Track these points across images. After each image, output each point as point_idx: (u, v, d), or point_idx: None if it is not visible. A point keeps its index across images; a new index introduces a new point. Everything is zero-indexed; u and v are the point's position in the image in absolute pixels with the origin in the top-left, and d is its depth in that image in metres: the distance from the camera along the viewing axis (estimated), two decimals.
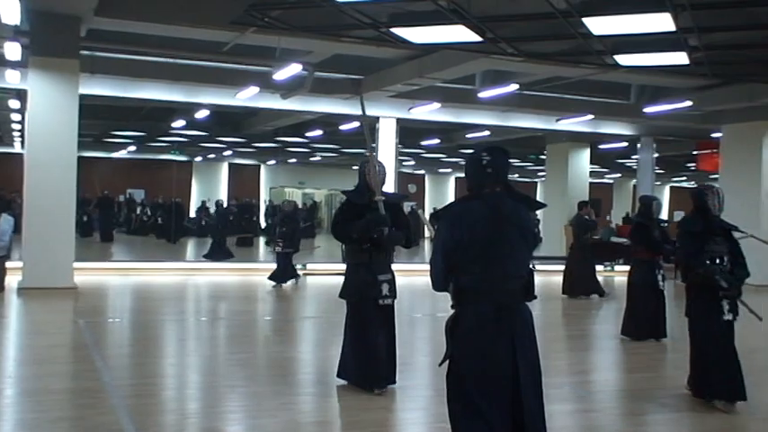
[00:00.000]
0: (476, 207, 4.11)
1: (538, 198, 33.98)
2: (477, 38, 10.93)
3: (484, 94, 16.43)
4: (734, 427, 6.35)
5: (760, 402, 6.94)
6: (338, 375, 7.01)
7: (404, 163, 32.21)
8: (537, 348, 4.15)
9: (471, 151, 4.39)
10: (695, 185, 8.01)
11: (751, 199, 18.26)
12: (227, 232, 21.40)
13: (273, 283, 15.05)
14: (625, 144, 24.54)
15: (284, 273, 15.25)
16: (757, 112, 17.67)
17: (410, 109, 18.22)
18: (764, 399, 7.22)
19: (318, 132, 24.77)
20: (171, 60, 15.02)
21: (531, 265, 4.21)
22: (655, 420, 6.54)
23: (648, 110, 17.90)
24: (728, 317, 6.59)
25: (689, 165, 29.55)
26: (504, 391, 3.96)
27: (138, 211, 32.86)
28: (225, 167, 38.92)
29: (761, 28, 10.80)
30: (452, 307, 4.15)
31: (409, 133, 22.34)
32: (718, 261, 6.56)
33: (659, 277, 9.94)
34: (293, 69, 13.93)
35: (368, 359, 6.73)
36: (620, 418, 6.58)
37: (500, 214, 4.06)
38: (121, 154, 34.78)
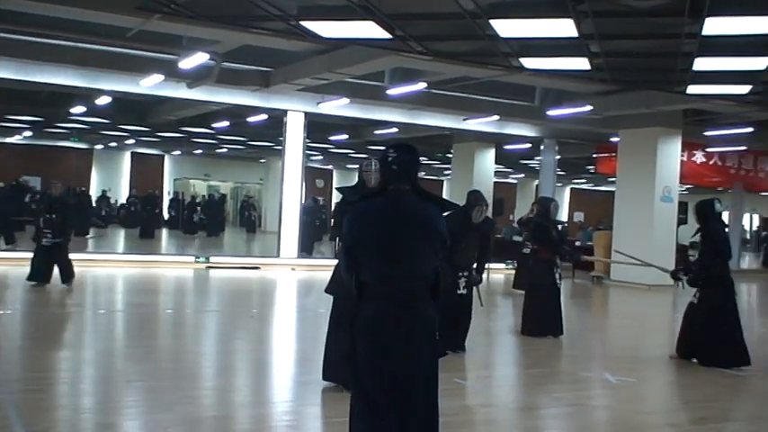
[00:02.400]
0: (378, 204, 4.11)
1: (444, 195, 34.19)
2: (387, 35, 10.97)
3: (393, 92, 16.52)
4: (622, 422, 6.58)
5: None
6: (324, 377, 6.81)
7: (311, 158, 32.07)
8: (438, 349, 4.17)
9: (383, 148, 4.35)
10: (469, 191, 8.92)
11: (645, 201, 19.01)
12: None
13: (34, 282, 12.84)
14: (529, 145, 25.07)
15: (48, 268, 12.90)
16: (653, 119, 18.35)
17: (319, 103, 18.16)
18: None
19: (225, 124, 24.41)
20: (72, 44, 14.50)
21: (438, 265, 4.16)
22: (549, 414, 6.73)
23: (551, 113, 18.35)
24: (463, 291, 8.64)
25: (589, 167, 30.39)
26: (400, 388, 3.97)
27: (27, 199, 31.62)
28: (127, 157, 37.94)
29: (657, 37, 11.20)
30: (354, 302, 4.14)
31: (317, 128, 22.26)
32: (466, 249, 8.50)
33: (557, 276, 10.24)
34: (199, 58, 13.67)
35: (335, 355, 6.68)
36: (515, 413, 6.74)
37: (402, 212, 4.04)
38: (16, 139, 33.46)
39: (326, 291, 6.89)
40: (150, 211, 29.06)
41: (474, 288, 8.87)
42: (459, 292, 8.63)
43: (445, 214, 4.35)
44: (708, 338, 8.73)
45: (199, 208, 32.11)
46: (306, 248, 22.04)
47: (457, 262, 8.43)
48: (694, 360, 8.87)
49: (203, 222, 31.37)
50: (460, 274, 8.60)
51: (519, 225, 17.06)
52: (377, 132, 24.77)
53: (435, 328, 4.12)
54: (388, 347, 3.97)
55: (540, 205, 11.19)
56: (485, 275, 9.80)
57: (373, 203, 4.15)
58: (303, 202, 24.39)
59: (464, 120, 20.02)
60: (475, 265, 8.82)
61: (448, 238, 4.22)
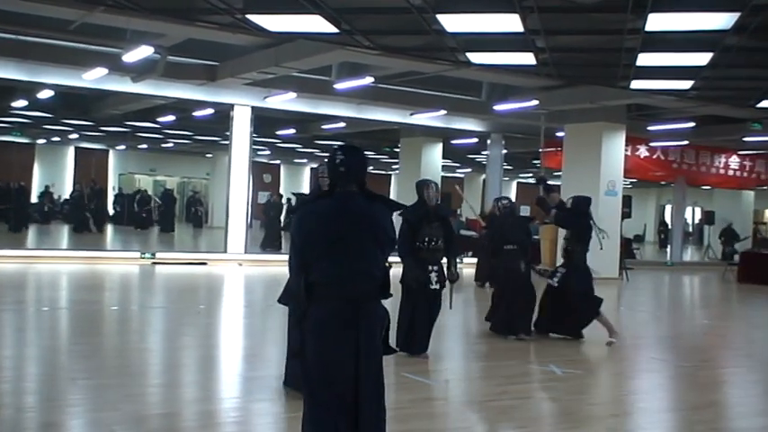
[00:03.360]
0: (325, 205, 4.16)
1: (392, 190, 34.26)
2: (334, 29, 10.94)
3: (340, 86, 16.49)
4: (568, 413, 6.68)
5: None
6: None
7: (258, 152, 31.85)
8: (386, 347, 4.23)
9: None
10: (418, 180, 8.95)
11: (591, 193, 19.04)
12: None
13: None
14: (476, 140, 25.25)
15: None
16: (597, 113, 18.64)
17: (265, 98, 18.04)
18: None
19: (171, 118, 24.11)
20: (12, 36, 14.19)
21: (386, 264, 4.23)
22: (496, 407, 6.78)
23: (498, 108, 18.51)
24: (435, 286, 8.24)
25: (535, 161, 30.72)
26: (348, 384, 4.00)
27: None
28: (71, 152, 37.24)
29: (601, 33, 11.36)
30: (303, 303, 4.13)
31: (264, 122, 22.12)
32: (433, 242, 8.20)
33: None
34: (144, 52, 13.47)
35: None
36: (463, 406, 6.79)
37: (350, 213, 4.10)
38: None
39: (280, 301, 6.60)
40: (78, 205, 28.19)
41: (448, 285, 8.42)
42: (431, 287, 8.24)
43: (399, 212, 4.41)
44: (578, 315, 9.76)
45: (158, 203, 31.70)
46: (271, 244, 21.96)
47: (424, 256, 8.19)
48: (553, 335, 9.95)
49: (147, 218, 30.96)
50: (431, 268, 8.24)
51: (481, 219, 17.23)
52: (324, 127, 24.70)
53: (384, 326, 4.19)
54: (335, 345, 4.00)
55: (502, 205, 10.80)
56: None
57: (322, 205, 4.20)
58: (269, 198, 24.38)
59: (411, 114, 20.07)
60: (445, 260, 8.37)
61: (396, 238, 4.30)
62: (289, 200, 28.36)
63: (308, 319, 4.07)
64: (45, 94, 19.09)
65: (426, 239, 8.21)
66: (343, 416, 3.98)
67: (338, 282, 4.04)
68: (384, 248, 4.20)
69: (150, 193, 34.66)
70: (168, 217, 30.42)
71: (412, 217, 8.28)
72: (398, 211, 4.51)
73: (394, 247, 4.29)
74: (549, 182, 10.69)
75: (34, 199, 33.14)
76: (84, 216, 27.15)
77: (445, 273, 8.34)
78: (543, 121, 11.92)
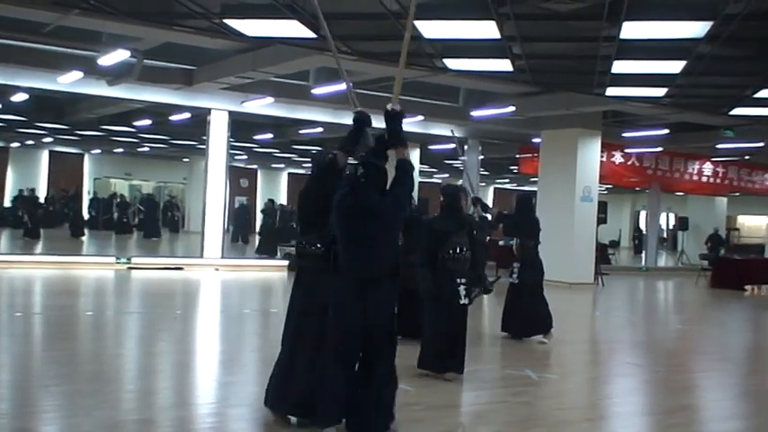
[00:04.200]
0: (346, 199, 5.18)
1: None
2: (311, 34, 10.95)
3: (317, 91, 16.48)
4: (543, 417, 6.72)
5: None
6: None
7: (236, 157, 31.72)
8: (393, 318, 5.29)
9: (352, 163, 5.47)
10: (449, 185, 8.79)
11: (566, 199, 19.40)
12: None
13: None
14: (453, 146, 25.28)
15: None
16: (573, 120, 18.76)
17: (243, 102, 17.99)
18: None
19: (147, 122, 23.96)
20: None
21: (397, 250, 5.35)
22: (471, 411, 6.81)
23: (475, 113, 18.58)
24: (465, 301, 7.63)
25: (512, 167, 30.86)
26: (359, 341, 5.12)
27: None
28: (45, 155, 36.90)
29: (577, 40, 11.45)
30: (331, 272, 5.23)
31: (242, 127, 22.05)
32: (458, 251, 7.62)
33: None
34: (120, 55, 13.40)
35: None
36: (437, 411, 6.79)
37: (364, 210, 5.10)
38: None
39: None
40: (32, 209, 27.54)
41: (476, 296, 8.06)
42: (461, 302, 7.60)
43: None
44: (531, 313, 10.00)
45: (141, 209, 31.50)
46: (268, 251, 21.82)
47: (451, 267, 7.59)
48: (505, 333, 10.20)
49: (127, 223, 30.74)
50: (459, 281, 7.60)
51: None
52: (302, 132, 24.64)
53: (392, 299, 5.24)
54: (350, 313, 5.07)
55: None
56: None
57: (343, 199, 5.19)
58: (263, 204, 24.24)
59: None
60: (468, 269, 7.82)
61: (405, 207, 5.36)
62: (272, 201, 28.14)
63: (333, 289, 5.17)
64: (19, 98, 18.93)
65: (452, 249, 7.64)
66: (352, 370, 5.17)
67: (353, 262, 5.13)
68: (395, 233, 5.42)
69: (127, 197, 34.44)
70: (152, 222, 30.22)
71: (450, 227, 7.75)
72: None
73: (404, 213, 5.43)
74: (483, 200, 10.94)
75: (7, 203, 32.86)
76: (20, 217, 26.79)
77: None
78: (464, 171, 12.28)
